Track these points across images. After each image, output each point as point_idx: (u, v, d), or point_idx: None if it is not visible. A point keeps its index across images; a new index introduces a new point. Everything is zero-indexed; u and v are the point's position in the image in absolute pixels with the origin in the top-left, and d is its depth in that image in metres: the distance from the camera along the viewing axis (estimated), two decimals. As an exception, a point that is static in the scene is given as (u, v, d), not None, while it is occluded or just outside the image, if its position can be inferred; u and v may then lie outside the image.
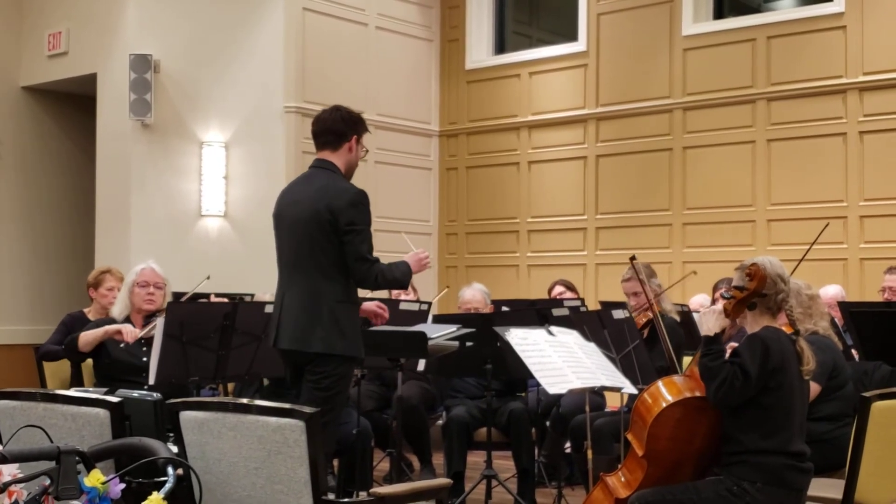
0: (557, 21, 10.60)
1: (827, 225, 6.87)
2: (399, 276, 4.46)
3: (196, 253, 8.60)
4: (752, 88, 8.63)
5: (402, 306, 5.97)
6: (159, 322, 4.78)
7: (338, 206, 4.30)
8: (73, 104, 9.67)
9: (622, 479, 3.83)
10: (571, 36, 9.76)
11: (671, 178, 9.03)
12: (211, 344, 4.79)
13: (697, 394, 3.74)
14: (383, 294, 6.74)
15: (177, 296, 5.94)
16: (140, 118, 8.45)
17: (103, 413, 2.98)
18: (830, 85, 8.26)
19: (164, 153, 8.66)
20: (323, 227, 4.30)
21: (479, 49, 10.33)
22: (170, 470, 2.28)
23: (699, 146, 8.91)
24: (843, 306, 5.25)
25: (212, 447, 2.95)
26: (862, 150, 8.13)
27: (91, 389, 4.28)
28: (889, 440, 3.98)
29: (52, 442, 2.30)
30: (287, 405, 2.94)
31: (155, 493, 2.16)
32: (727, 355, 3.73)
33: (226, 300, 6.27)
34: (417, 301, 6.47)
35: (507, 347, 4.73)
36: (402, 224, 9.58)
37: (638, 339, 5.18)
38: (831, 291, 6.80)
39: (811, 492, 3.80)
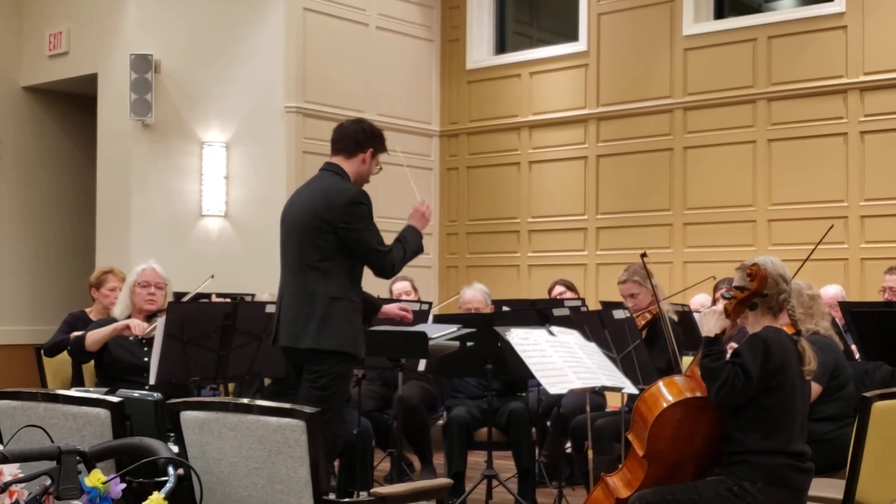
0: (558, 21, 10.60)
1: (832, 227, 6.87)
2: (412, 247, 4.56)
3: (197, 253, 8.60)
4: (752, 88, 8.63)
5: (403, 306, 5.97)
6: (160, 322, 4.78)
7: (335, 205, 4.36)
8: (73, 104, 9.67)
9: (623, 479, 3.83)
10: (572, 36, 9.76)
11: (672, 178, 9.03)
12: (212, 344, 4.79)
13: (698, 394, 3.73)
14: (384, 294, 6.75)
15: (178, 296, 5.94)
16: (141, 118, 8.45)
17: (104, 413, 2.98)
18: (831, 85, 8.26)
19: (165, 153, 8.66)
20: (319, 225, 4.35)
21: (479, 49, 10.34)
22: (170, 470, 2.28)
23: (700, 146, 8.91)
24: (844, 306, 5.24)
25: (212, 447, 2.95)
26: (863, 150, 8.13)
27: (92, 389, 4.28)
28: (890, 440, 3.98)
29: (52, 442, 2.30)
30: (288, 405, 2.94)
31: (155, 493, 2.16)
32: (728, 355, 3.73)
33: (227, 300, 6.27)
34: (418, 301, 6.48)
35: (508, 347, 4.73)
36: (403, 224, 9.59)
37: (639, 340, 5.18)
38: (832, 291, 6.80)
39: (812, 492, 3.80)
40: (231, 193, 8.93)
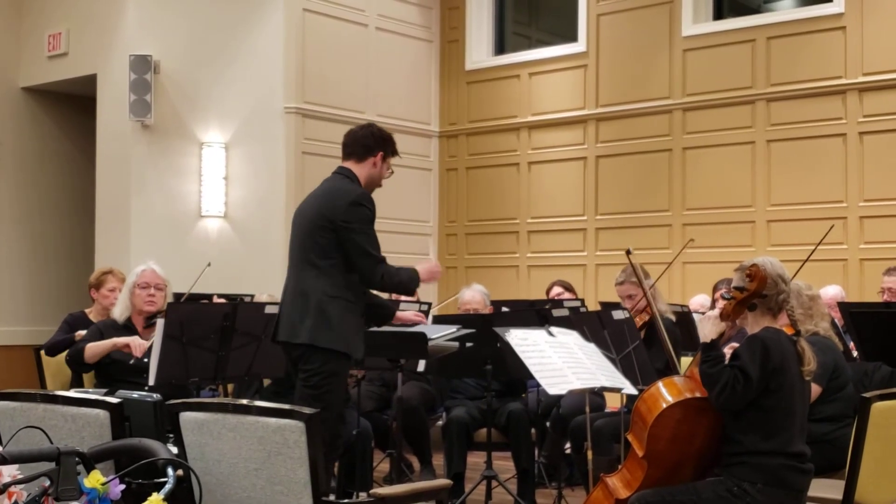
0: (557, 22, 10.60)
1: (832, 227, 6.88)
2: (405, 279, 4.54)
3: (196, 254, 8.59)
4: (751, 89, 8.63)
5: (403, 307, 5.97)
6: (159, 323, 4.77)
7: (338, 204, 4.42)
8: (72, 105, 9.66)
9: (622, 479, 3.83)
10: (571, 37, 9.77)
11: (671, 178, 9.03)
12: (211, 344, 4.79)
13: (698, 394, 3.73)
14: (384, 294, 6.75)
15: (177, 296, 5.94)
16: (140, 119, 8.45)
17: (103, 414, 2.98)
18: (830, 86, 8.26)
19: (164, 154, 8.66)
20: (322, 223, 4.42)
21: (478, 50, 10.34)
22: (170, 471, 2.28)
23: (699, 147, 8.91)
24: (843, 307, 5.25)
25: (211, 448, 2.95)
26: (862, 150, 8.13)
27: (91, 390, 4.28)
28: (889, 441, 3.98)
29: (51, 443, 2.30)
30: (287, 406, 2.94)
31: (155, 495, 2.16)
32: (728, 356, 3.73)
33: (226, 301, 6.27)
34: (418, 302, 6.48)
35: (507, 348, 4.72)
36: (402, 225, 9.60)
37: (638, 340, 5.18)
38: (831, 292, 6.79)
39: (811, 492, 3.80)
40: (230, 194, 8.93)
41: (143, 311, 5.26)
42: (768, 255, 5.54)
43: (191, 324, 4.74)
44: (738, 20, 8.97)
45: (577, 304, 6.71)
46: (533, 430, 5.97)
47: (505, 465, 6.27)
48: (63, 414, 3.02)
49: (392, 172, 4.73)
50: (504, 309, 6.72)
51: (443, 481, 3.94)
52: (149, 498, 2.14)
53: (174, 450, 2.89)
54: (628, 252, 5.17)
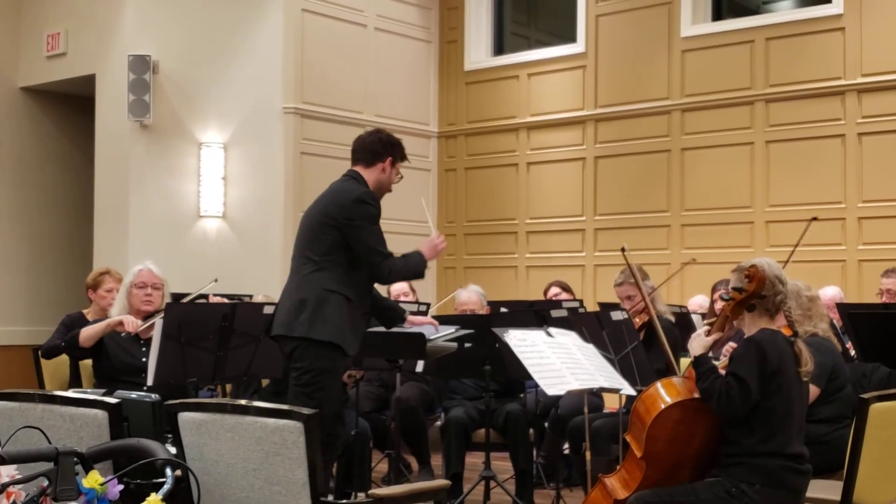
0: (556, 22, 10.60)
1: (814, 219, 6.90)
2: (412, 266, 4.60)
3: (194, 254, 8.60)
4: (750, 90, 8.63)
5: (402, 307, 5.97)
6: (158, 323, 4.77)
7: (343, 202, 4.47)
8: (71, 105, 9.66)
9: (621, 480, 3.83)
10: (570, 37, 9.77)
11: (670, 179, 9.03)
12: (209, 345, 4.79)
13: (696, 395, 3.73)
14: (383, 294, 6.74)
15: (175, 297, 5.93)
16: (139, 119, 8.45)
17: (101, 414, 2.97)
18: (829, 86, 8.26)
19: (163, 154, 8.66)
20: (325, 220, 4.47)
21: (477, 50, 10.34)
22: (168, 471, 2.28)
23: (698, 147, 8.91)
24: (842, 308, 5.25)
25: (210, 448, 2.95)
26: (860, 151, 8.14)
27: (89, 390, 4.28)
28: (887, 441, 3.98)
29: (50, 443, 2.30)
30: (285, 406, 2.94)
31: (153, 495, 2.16)
32: (728, 357, 3.72)
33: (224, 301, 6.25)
34: (416, 302, 6.48)
35: (506, 349, 4.73)
36: (402, 225, 9.59)
37: (636, 341, 5.18)
38: (829, 293, 6.79)
39: (809, 493, 3.81)
40: (229, 194, 8.93)
41: (141, 310, 5.26)
42: (767, 255, 5.54)
43: (189, 324, 4.74)
44: (736, 21, 8.97)
45: (576, 304, 6.70)
46: (531, 431, 5.97)
47: (503, 465, 6.27)
48: (61, 414, 3.02)
49: (401, 177, 4.75)
50: (503, 309, 6.71)
51: (441, 482, 3.94)
52: (147, 498, 2.14)
53: (172, 450, 2.89)
54: (623, 250, 5.18)
